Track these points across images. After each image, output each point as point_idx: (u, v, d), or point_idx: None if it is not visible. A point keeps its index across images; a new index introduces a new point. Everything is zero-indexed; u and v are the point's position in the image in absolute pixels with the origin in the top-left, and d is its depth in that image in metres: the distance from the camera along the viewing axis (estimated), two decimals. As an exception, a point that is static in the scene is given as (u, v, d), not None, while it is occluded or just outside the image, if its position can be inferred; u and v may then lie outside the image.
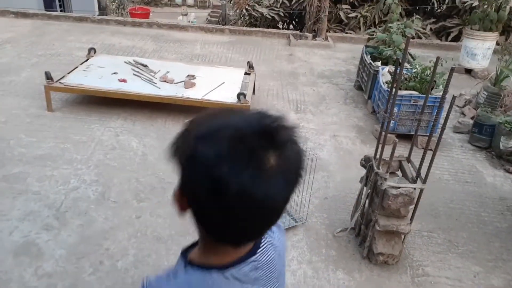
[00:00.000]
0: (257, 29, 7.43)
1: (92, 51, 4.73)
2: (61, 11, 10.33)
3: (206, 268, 0.79)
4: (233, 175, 0.67)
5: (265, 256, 0.85)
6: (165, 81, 4.11)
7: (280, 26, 8.52)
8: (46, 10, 8.48)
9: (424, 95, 3.52)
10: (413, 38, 5.88)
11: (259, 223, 0.75)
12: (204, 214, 0.73)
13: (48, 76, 3.89)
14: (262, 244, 0.86)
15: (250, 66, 4.61)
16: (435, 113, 3.20)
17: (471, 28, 5.69)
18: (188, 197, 0.74)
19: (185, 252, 0.84)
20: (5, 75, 4.68)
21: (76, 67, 4.30)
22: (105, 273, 2.21)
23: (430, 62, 3.92)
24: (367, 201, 2.48)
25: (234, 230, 0.74)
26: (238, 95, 3.84)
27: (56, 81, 3.93)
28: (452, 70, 2.04)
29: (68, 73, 4.14)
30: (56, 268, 2.22)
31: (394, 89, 2.22)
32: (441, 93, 3.57)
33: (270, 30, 7.38)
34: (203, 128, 0.72)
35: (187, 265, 0.80)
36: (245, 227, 0.74)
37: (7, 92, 4.28)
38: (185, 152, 0.72)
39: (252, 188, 0.68)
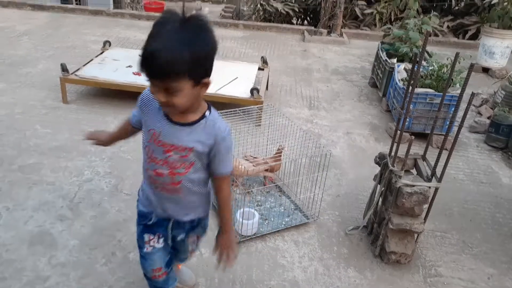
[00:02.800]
0: (272, 24, 7.39)
1: (107, 44, 4.76)
2: (76, 4, 10.38)
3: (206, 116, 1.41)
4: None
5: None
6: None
7: (295, 21, 8.47)
8: (62, 3, 8.55)
9: (440, 93, 3.48)
10: (430, 35, 5.79)
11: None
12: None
13: (64, 68, 3.93)
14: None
15: (264, 61, 4.60)
16: (451, 112, 3.15)
17: (489, 26, 5.58)
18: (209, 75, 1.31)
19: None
20: (22, 67, 4.74)
21: (91, 60, 4.33)
22: (117, 264, 2.23)
23: (447, 59, 3.86)
24: (380, 199, 2.45)
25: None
26: (252, 90, 3.83)
27: (71, 73, 3.97)
28: (471, 66, 2.00)
29: (84, 65, 4.18)
30: (70, 258, 2.25)
31: (411, 86, 2.19)
32: (458, 91, 3.52)
33: (284, 25, 7.34)
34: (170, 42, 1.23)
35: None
36: None
37: (24, 83, 4.33)
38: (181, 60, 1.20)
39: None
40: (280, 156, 2.83)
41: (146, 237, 1.64)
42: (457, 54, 2.15)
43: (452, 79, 3.67)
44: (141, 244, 1.66)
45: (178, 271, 2.05)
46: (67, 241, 2.36)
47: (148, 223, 1.62)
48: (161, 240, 1.66)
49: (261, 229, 2.53)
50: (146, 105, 1.42)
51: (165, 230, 1.64)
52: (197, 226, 1.68)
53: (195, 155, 1.42)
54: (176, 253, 1.86)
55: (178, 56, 1.17)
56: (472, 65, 2.05)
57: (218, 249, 1.59)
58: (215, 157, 1.43)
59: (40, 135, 3.40)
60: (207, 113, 1.40)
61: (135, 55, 4.54)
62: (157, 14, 7.39)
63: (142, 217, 1.63)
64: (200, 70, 1.25)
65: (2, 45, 5.38)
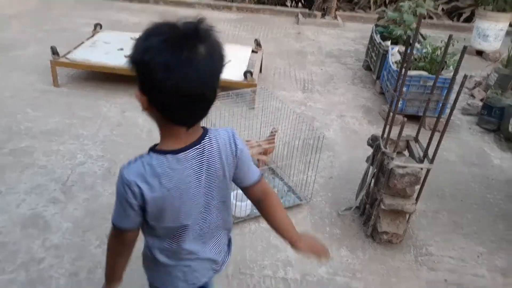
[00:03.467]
0: (265, 6, 7.31)
1: (98, 26, 4.69)
2: (67, -14, 10.20)
3: (164, 152, 1.05)
4: (171, 63, 0.91)
5: (208, 146, 1.09)
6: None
7: (289, 4, 8.37)
8: (52, -15, 8.37)
9: (434, 76, 3.48)
10: (424, 18, 5.74)
11: (193, 107, 0.99)
12: (158, 100, 0.97)
13: (54, 51, 3.87)
14: (206, 137, 1.09)
15: (258, 44, 4.56)
16: (444, 94, 3.15)
17: (484, 9, 5.56)
18: (146, 94, 0.97)
19: (151, 148, 1.09)
20: (11, 49, 4.67)
21: (82, 43, 4.27)
22: (111, 246, 2.24)
23: (441, 42, 3.85)
24: (372, 180, 2.47)
25: (182, 108, 0.97)
26: (245, 73, 3.81)
27: (62, 57, 3.91)
28: (464, 49, 2.00)
29: (74, 48, 4.12)
30: (63, 240, 2.25)
31: (404, 68, 2.18)
32: (451, 74, 3.51)
33: (278, 8, 7.27)
34: (144, 38, 0.97)
35: (149, 152, 1.07)
36: (189, 106, 0.98)
37: (14, 67, 4.27)
38: (136, 59, 0.96)
39: (185, 73, 0.92)
40: (274, 139, 2.83)
41: None
42: (450, 36, 2.15)
43: (446, 62, 3.67)
44: None
45: None
46: (60, 224, 2.36)
47: None
48: None
49: (254, 211, 2.54)
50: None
51: None
52: None
53: None
54: None
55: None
56: (465, 48, 2.04)
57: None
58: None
59: (31, 119, 3.37)
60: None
61: (126, 38, 4.47)
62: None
63: None
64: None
65: (-10, 28, 5.28)
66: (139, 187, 1.03)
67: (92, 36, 4.49)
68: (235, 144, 1.14)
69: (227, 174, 1.15)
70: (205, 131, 1.10)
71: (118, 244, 1.20)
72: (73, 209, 2.47)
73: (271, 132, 2.85)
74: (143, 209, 1.08)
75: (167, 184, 1.05)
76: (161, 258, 1.21)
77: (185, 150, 1.06)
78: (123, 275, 1.30)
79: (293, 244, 1.29)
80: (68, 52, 4.01)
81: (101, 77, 4.07)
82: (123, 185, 1.05)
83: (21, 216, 2.39)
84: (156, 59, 0.92)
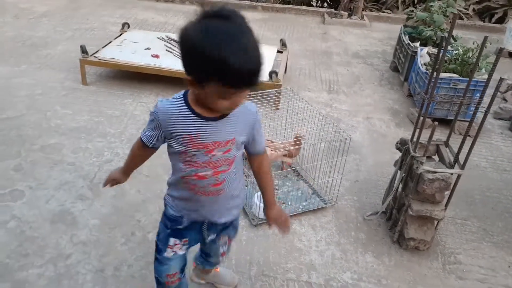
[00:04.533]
0: (291, 6, 7.26)
1: (125, 26, 4.76)
2: (95, -15, 10.40)
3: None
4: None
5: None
6: (197, 58, 4.09)
7: (314, 3, 8.30)
8: (81, -15, 8.55)
9: (465, 79, 3.38)
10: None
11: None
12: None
13: (84, 50, 3.95)
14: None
15: (283, 44, 4.53)
16: (476, 97, 3.06)
17: (518, 9, 5.37)
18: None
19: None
20: (41, 48, 4.79)
21: (110, 42, 4.34)
22: (137, 244, 2.26)
23: (473, 43, 3.74)
24: (400, 185, 2.42)
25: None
26: (270, 73, 3.79)
27: (91, 55, 3.99)
28: (501, 51, 1.93)
29: (103, 47, 4.19)
30: (90, 237, 2.29)
31: (435, 71, 2.12)
32: (483, 76, 3.41)
33: (303, 7, 7.21)
34: (189, 29, 1.14)
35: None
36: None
37: (44, 65, 4.38)
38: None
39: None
40: (300, 141, 2.80)
41: (172, 241, 1.57)
42: (485, 38, 2.07)
43: (478, 64, 3.55)
44: (162, 247, 1.59)
45: (217, 275, 2.02)
46: (87, 220, 2.40)
47: (178, 227, 1.55)
48: (185, 247, 1.61)
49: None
50: (169, 116, 1.32)
51: (197, 233, 1.59)
52: (229, 227, 1.64)
53: (236, 146, 1.37)
54: (207, 257, 1.83)
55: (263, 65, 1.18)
56: (501, 50, 1.98)
57: (273, 223, 1.64)
58: (253, 140, 1.45)
59: (60, 116, 3.44)
60: None
61: (153, 37, 4.53)
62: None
63: (172, 221, 1.55)
64: None
65: (22, 27, 5.43)
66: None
67: (120, 35, 4.56)
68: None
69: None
70: None
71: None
72: (100, 206, 2.51)
73: (296, 136, 2.81)
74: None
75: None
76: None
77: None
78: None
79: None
80: (97, 51, 4.08)
81: (128, 76, 4.13)
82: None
83: (50, 212, 2.44)
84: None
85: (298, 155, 2.87)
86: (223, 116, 1.31)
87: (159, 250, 1.60)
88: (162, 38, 4.49)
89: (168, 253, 1.59)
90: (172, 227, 1.55)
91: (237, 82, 1.13)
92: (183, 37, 1.14)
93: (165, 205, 1.58)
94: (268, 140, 2.85)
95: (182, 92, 1.33)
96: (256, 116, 1.42)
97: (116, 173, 1.66)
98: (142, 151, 1.52)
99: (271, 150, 2.74)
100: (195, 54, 1.11)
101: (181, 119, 1.30)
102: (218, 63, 1.08)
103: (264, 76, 3.82)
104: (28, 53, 4.62)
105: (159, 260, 1.62)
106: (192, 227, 1.56)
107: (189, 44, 1.12)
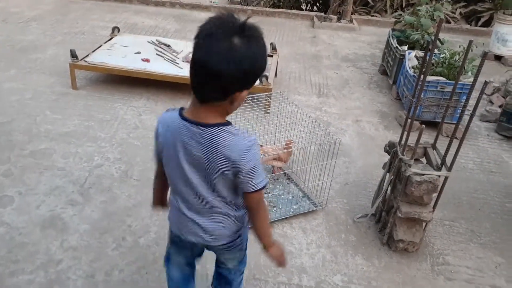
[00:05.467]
0: (281, 10, 7.31)
1: (115, 30, 4.75)
2: (85, -11, 10.36)
3: (180, 113, 1.29)
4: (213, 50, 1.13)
5: (209, 135, 1.25)
6: (187, 62, 4.10)
7: (304, 7, 8.36)
8: (70, -12, 8.50)
9: (452, 81, 3.44)
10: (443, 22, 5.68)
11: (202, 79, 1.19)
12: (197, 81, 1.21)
13: (73, 54, 3.93)
14: (217, 128, 1.25)
15: (273, 48, 4.56)
16: (462, 100, 3.10)
17: (503, 13, 5.47)
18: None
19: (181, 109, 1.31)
20: (31, 52, 4.76)
21: (100, 46, 4.33)
22: (128, 249, 2.26)
23: (459, 47, 3.80)
24: (389, 187, 2.45)
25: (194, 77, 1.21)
26: (260, 77, 3.81)
27: (80, 59, 3.97)
28: (485, 54, 1.97)
29: (93, 51, 4.18)
30: (81, 242, 2.28)
31: (422, 74, 2.16)
32: (470, 79, 3.47)
33: (293, 11, 7.25)
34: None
35: (179, 111, 1.29)
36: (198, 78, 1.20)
37: (33, 69, 4.35)
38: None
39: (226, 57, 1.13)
40: (290, 147, 2.82)
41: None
42: (470, 42, 2.12)
43: (464, 67, 3.62)
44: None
45: None
46: (78, 226, 2.40)
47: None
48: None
49: (269, 216, 2.54)
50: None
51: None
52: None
53: None
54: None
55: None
56: (485, 53, 2.02)
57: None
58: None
59: (50, 121, 3.43)
60: None
61: (143, 41, 4.53)
62: (165, 0, 7.35)
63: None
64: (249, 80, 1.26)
65: (12, 31, 5.39)
66: (157, 129, 1.35)
67: (110, 39, 4.55)
68: (242, 158, 1.26)
69: (215, 168, 1.28)
70: (223, 125, 1.26)
71: (155, 171, 1.55)
72: (90, 211, 2.51)
73: (287, 142, 2.84)
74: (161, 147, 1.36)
75: (168, 135, 1.31)
76: (171, 196, 1.50)
77: (187, 120, 1.26)
78: (160, 202, 1.63)
79: (265, 249, 1.53)
80: (87, 55, 4.07)
81: (118, 80, 4.12)
82: (157, 123, 1.36)
83: (40, 217, 2.43)
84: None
85: (289, 160, 2.90)
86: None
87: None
88: (153, 42, 4.50)
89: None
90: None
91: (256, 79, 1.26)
92: (248, 56, 1.16)
93: None
94: (259, 145, 2.87)
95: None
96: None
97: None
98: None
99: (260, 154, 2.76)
100: (260, 69, 1.22)
101: None
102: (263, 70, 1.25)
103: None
104: (17, 58, 4.59)
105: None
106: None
107: (254, 61, 1.18)
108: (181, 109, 1.30)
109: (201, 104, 1.23)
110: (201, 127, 1.24)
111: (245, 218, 1.51)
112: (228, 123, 1.27)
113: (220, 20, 1.16)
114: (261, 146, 2.84)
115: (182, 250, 1.64)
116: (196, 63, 1.18)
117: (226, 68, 1.13)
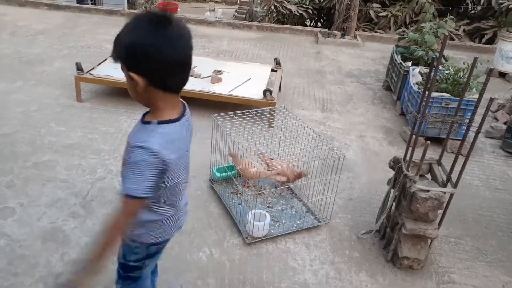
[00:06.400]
0: (285, 26, 7.38)
1: (121, 43, 4.79)
2: (92, 4, 10.54)
3: (171, 121, 1.29)
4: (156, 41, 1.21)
5: (188, 114, 1.40)
6: (191, 76, 4.12)
7: (308, 23, 8.44)
8: (77, 3, 8.66)
9: (456, 98, 3.43)
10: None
11: (184, 72, 1.31)
12: (156, 75, 1.23)
13: (79, 67, 3.97)
14: (185, 114, 1.36)
15: (277, 63, 4.59)
16: (467, 116, 3.09)
17: (507, 31, 5.50)
18: (143, 74, 1.23)
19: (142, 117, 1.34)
20: (38, 65, 4.81)
21: (106, 59, 4.37)
22: (129, 263, 2.23)
23: (464, 63, 3.81)
24: (394, 203, 2.42)
25: (172, 76, 1.26)
26: (264, 92, 3.82)
27: (86, 72, 4.01)
28: (490, 71, 1.97)
29: (98, 64, 4.22)
30: (81, 255, 2.26)
31: (427, 90, 2.16)
32: (474, 96, 3.47)
33: (298, 27, 7.32)
34: (125, 30, 1.26)
35: (157, 123, 1.28)
36: (175, 72, 1.27)
37: (40, 81, 4.39)
38: (121, 47, 1.26)
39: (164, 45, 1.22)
40: (300, 177, 2.81)
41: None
42: (475, 58, 2.12)
43: (469, 84, 3.62)
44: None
45: None
46: (79, 238, 2.37)
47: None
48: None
49: (272, 231, 2.52)
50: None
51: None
52: None
53: None
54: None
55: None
56: (491, 70, 2.02)
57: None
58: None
59: (54, 133, 3.44)
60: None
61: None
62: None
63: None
64: (129, 60, 1.24)
65: (19, 44, 5.46)
66: (162, 154, 1.22)
67: (116, 53, 4.59)
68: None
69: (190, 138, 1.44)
70: (183, 102, 1.39)
71: (130, 217, 1.30)
72: (92, 224, 2.49)
73: (299, 173, 2.83)
74: (162, 173, 1.27)
75: (181, 145, 1.33)
76: (166, 211, 1.43)
77: (182, 117, 1.33)
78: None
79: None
80: (92, 68, 4.10)
81: (122, 93, 4.13)
82: (152, 155, 1.21)
83: (41, 229, 2.41)
84: (151, 40, 1.19)
85: (295, 182, 2.87)
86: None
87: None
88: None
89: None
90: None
91: None
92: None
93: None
94: (268, 156, 2.87)
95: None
96: (131, 145, 1.28)
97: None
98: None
99: (264, 168, 2.74)
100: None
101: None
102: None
103: (255, 93, 3.87)
104: (24, 70, 4.63)
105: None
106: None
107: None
108: (166, 121, 1.28)
109: (177, 95, 1.33)
110: (185, 115, 1.36)
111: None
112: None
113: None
114: (271, 159, 2.84)
115: (157, 255, 1.64)
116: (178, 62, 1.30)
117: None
